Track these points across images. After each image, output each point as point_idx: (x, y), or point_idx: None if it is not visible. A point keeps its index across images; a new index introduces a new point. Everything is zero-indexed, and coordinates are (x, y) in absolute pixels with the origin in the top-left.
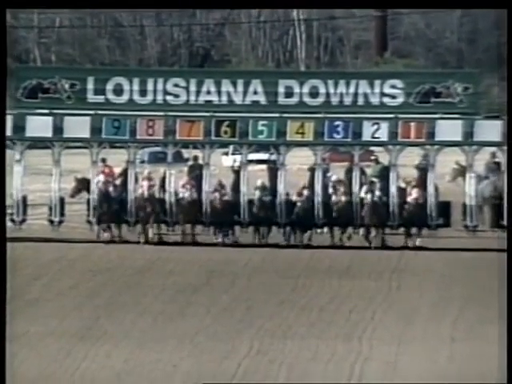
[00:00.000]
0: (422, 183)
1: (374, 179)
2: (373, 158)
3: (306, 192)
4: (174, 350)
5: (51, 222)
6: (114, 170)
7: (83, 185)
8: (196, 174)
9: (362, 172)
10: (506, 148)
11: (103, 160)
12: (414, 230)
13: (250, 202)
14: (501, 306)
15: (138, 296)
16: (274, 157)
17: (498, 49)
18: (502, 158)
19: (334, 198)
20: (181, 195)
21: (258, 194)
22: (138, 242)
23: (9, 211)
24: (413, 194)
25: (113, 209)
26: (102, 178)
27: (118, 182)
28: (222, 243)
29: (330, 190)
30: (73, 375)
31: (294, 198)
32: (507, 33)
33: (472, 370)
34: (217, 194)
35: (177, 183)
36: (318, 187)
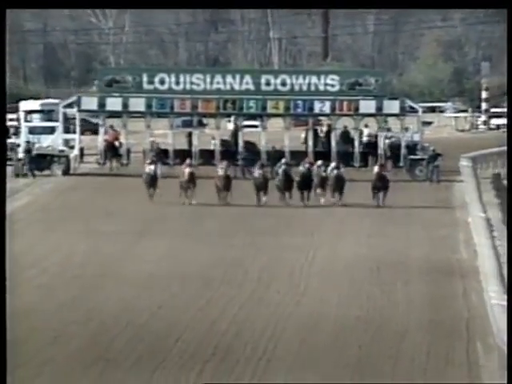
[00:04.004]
0: (351, 139)
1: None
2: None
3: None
4: (196, 243)
5: (121, 164)
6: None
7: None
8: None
9: (315, 132)
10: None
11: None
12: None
13: (245, 150)
14: (399, 213)
15: (176, 208)
16: (259, 123)
17: (395, 56)
18: (398, 124)
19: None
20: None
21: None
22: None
23: (95, 157)
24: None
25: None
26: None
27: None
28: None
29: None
30: (134, 257)
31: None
32: (507, 33)
33: (375, 252)
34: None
35: (199, 139)
36: (287, 141)
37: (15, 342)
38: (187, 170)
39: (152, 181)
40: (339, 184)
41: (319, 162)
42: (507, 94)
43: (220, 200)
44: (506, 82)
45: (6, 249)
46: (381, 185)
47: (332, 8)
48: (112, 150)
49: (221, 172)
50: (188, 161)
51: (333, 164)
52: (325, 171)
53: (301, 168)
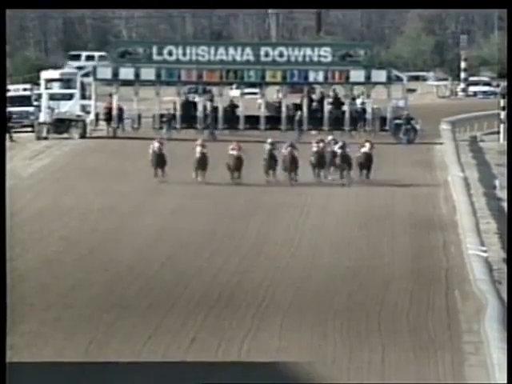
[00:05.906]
0: (341, 105)
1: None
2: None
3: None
4: (201, 202)
5: (133, 128)
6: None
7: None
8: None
9: (310, 99)
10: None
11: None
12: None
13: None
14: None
15: (184, 169)
16: (258, 90)
17: (382, 30)
18: (385, 92)
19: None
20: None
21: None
22: (185, 140)
23: (110, 123)
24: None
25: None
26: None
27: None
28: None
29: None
30: (146, 212)
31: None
32: (507, 33)
33: (364, 209)
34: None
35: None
36: (284, 107)
37: (39, 289)
38: (199, 149)
39: (160, 161)
40: (346, 163)
41: (329, 138)
42: (507, 93)
43: (232, 179)
44: (506, 81)
45: (5, 245)
46: (367, 163)
47: (330, 8)
48: (112, 115)
49: (231, 152)
50: (199, 141)
51: (340, 143)
52: (335, 144)
53: (314, 146)
